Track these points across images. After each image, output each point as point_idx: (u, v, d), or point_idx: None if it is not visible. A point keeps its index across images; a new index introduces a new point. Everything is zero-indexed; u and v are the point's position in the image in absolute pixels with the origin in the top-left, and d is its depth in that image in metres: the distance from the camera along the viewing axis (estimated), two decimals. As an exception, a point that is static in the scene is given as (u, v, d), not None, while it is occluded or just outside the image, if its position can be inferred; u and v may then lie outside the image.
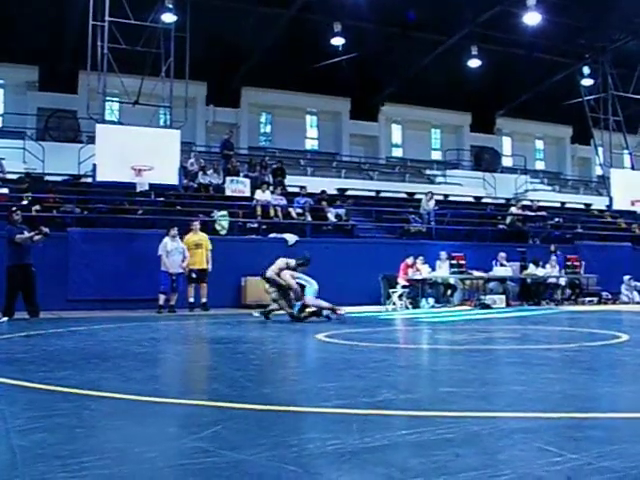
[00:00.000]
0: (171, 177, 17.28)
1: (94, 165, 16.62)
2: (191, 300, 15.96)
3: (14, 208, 13.81)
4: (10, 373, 5.69)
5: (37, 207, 16.97)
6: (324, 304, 12.92)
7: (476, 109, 31.50)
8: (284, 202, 20.69)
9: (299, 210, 20.49)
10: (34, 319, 12.67)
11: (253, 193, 20.34)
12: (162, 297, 15.37)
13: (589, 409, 4.27)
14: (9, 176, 19.67)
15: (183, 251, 15.76)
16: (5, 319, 12.38)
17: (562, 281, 20.40)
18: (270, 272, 13.17)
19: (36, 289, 12.99)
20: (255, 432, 3.57)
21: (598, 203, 28.26)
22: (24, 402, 4.55)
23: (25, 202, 17.04)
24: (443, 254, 18.77)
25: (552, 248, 20.85)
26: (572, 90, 25.93)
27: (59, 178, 20.29)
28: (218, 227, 18.72)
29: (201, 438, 3.40)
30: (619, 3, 22.38)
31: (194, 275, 16.01)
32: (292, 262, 13.30)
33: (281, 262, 13.27)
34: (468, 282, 19.18)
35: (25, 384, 5.12)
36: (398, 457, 3.11)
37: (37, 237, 12.99)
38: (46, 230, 13.15)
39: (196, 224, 16.59)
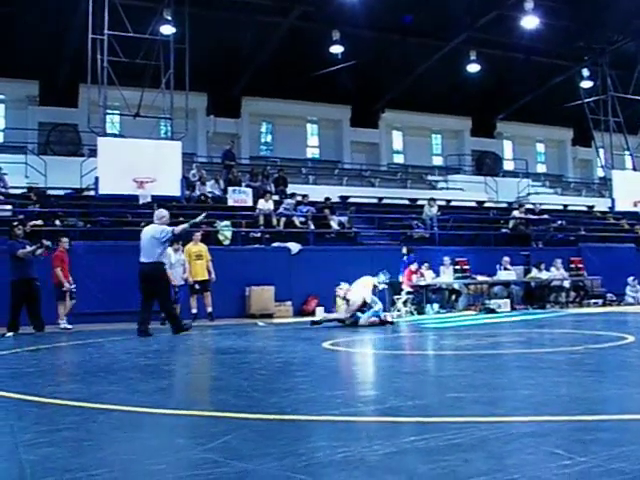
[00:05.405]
0: (173, 188, 17.34)
1: (96, 178, 16.69)
2: (194, 311, 15.93)
3: (16, 223, 13.85)
4: (18, 387, 5.69)
5: (39, 222, 16.78)
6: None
7: (476, 114, 31.59)
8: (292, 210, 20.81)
9: (302, 219, 20.50)
10: (39, 333, 12.71)
11: (255, 203, 20.37)
12: (167, 308, 15.33)
13: (597, 411, 4.26)
14: (12, 191, 19.71)
15: (184, 263, 15.79)
16: (10, 334, 12.40)
17: (566, 284, 20.35)
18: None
19: (40, 303, 13.04)
20: (264, 442, 3.56)
21: (600, 205, 28.31)
22: (32, 416, 4.55)
23: (34, 222, 16.76)
24: (447, 259, 18.77)
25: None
26: (572, 92, 25.94)
27: (62, 192, 20.34)
28: (221, 237, 18.72)
29: (210, 449, 3.40)
30: (617, 4, 22.43)
31: (197, 286, 16.01)
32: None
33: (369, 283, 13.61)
34: (472, 287, 19.18)
35: (33, 398, 5.12)
36: (407, 463, 3.10)
37: (39, 251, 13.05)
38: (48, 243, 13.21)
39: (197, 235, 16.58)
